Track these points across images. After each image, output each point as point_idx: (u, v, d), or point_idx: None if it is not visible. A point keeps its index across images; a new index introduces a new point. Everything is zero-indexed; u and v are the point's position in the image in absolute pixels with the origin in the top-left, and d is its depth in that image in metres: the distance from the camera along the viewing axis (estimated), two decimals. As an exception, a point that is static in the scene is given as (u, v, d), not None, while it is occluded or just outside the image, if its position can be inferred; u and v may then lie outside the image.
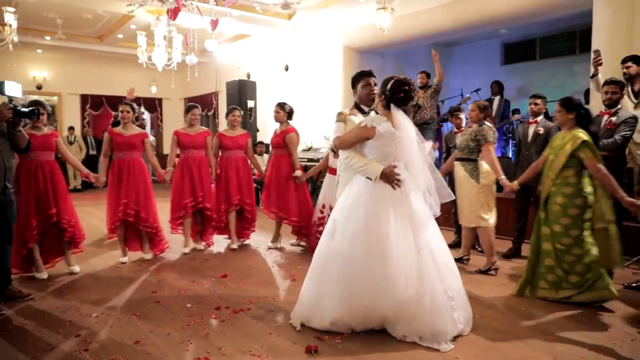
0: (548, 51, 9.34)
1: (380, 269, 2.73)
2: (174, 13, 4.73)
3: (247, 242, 5.48)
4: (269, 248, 5.25)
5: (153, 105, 13.58)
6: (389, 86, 2.86)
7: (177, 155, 5.16)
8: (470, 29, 7.00)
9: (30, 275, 4.09)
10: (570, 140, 3.31)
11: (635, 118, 3.80)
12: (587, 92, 5.98)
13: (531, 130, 4.57)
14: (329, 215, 4.81)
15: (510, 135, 7.94)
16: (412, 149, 2.84)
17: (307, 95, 9.15)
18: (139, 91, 12.74)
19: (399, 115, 2.84)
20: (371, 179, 2.83)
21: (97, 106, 12.60)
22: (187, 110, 5.06)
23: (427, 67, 6.99)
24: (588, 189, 3.32)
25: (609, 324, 3.06)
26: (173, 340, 2.81)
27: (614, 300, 3.42)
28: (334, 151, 5.06)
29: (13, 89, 3.45)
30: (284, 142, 5.11)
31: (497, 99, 7.71)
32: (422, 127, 6.41)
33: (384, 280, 2.71)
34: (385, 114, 2.89)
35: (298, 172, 5.08)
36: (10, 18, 6.39)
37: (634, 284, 3.75)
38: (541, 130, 4.47)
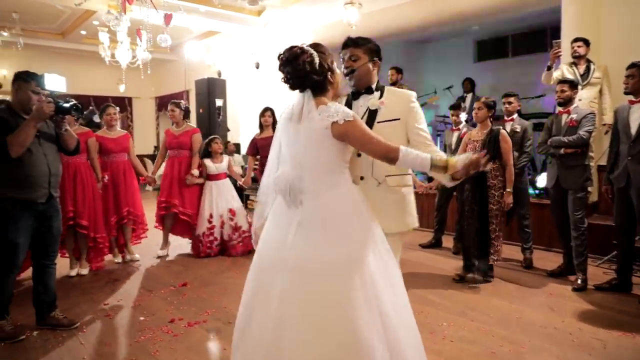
0: (520, 48, 9.34)
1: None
2: (122, 5, 4.46)
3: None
4: (159, 257, 4.96)
5: (122, 104, 13.14)
6: None
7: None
8: (440, 25, 6.92)
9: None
10: None
11: (594, 114, 3.85)
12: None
13: (507, 129, 4.51)
14: (233, 223, 4.89)
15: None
16: (303, 152, 1.90)
17: (279, 93, 8.93)
18: (107, 90, 12.38)
19: (294, 101, 1.97)
20: None
21: (62, 106, 12.12)
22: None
23: (399, 65, 6.87)
24: None
25: (578, 329, 2.96)
26: (118, 360, 2.59)
27: (579, 301, 3.35)
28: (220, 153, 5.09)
29: (55, 82, 2.91)
30: (190, 143, 4.95)
31: (469, 96, 7.66)
32: None
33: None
34: None
35: (196, 172, 4.94)
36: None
37: (604, 285, 3.68)
38: (518, 128, 4.41)
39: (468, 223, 3.96)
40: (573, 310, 3.24)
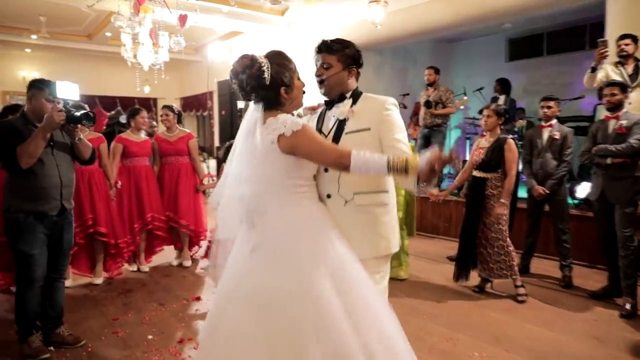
0: (556, 46, 8.85)
1: None
2: (135, 7, 4.33)
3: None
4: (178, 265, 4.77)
5: (148, 105, 13.17)
6: None
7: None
8: (471, 23, 6.54)
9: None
10: None
11: None
12: (600, 90, 5.55)
13: (545, 135, 4.16)
14: None
15: (517, 137, 7.44)
16: (254, 169, 1.75)
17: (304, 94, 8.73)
18: (133, 91, 12.43)
19: (247, 114, 1.86)
20: None
21: (90, 107, 12.21)
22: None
23: (427, 65, 6.58)
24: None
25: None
26: (119, 387, 2.43)
27: (629, 330, 2.99)
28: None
29: (67, 90, 2.79)
30: (187, 149, 4.72)
31: (502, 98, 7.23)
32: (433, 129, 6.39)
33: None
34: None
35: (207, 180, 4.76)
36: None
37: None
38: (557, 135, 4.05)
39: (463, 230, 3.94)
40: (622, 341, 2.90)
